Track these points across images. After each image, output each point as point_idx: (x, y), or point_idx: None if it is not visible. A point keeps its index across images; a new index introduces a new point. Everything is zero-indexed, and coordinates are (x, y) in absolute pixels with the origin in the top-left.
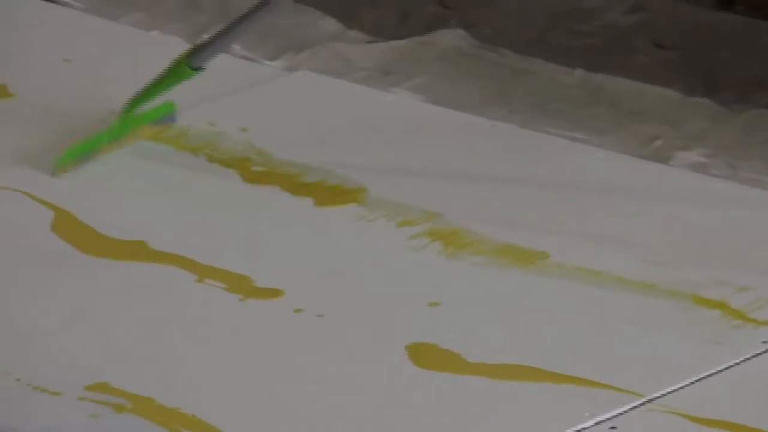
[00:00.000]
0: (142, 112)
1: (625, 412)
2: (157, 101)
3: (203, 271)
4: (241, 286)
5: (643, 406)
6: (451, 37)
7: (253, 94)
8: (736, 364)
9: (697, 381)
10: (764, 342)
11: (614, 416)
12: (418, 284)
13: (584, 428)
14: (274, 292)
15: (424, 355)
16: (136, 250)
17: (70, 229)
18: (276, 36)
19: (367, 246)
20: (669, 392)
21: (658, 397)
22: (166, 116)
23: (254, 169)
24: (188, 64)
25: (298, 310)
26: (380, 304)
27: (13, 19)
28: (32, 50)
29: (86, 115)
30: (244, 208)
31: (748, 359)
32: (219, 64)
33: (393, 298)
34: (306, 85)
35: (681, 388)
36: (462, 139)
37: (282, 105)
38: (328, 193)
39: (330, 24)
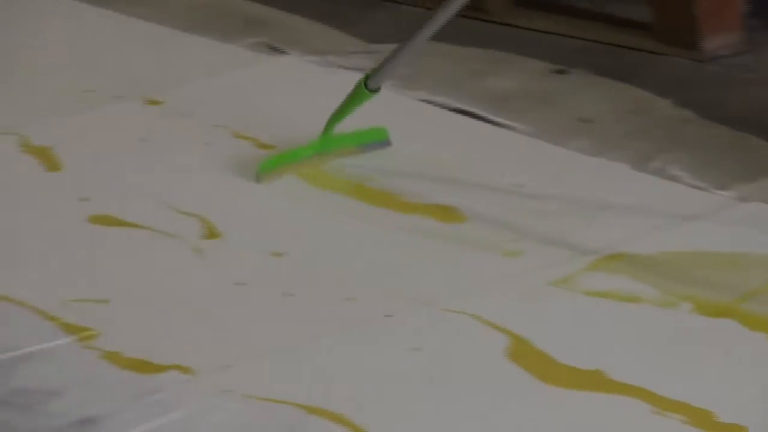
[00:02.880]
0: (353, 132)
1: None
2: (371, 124)
3: (661, 403)
4: (701, 420)
5: None
6: None
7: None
8: None
9: None
10: None
11: None
12: None
13: None
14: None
15: None
16: (594, 380)
17: (526, 355)
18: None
19: None
20: None
21: None
22: (380, 141)
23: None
24: (366, 86)
25: None
26: None
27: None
28: (483, 174)
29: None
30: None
31: None
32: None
33: None
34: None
35: None
36: None
37: None
38: None
39: None
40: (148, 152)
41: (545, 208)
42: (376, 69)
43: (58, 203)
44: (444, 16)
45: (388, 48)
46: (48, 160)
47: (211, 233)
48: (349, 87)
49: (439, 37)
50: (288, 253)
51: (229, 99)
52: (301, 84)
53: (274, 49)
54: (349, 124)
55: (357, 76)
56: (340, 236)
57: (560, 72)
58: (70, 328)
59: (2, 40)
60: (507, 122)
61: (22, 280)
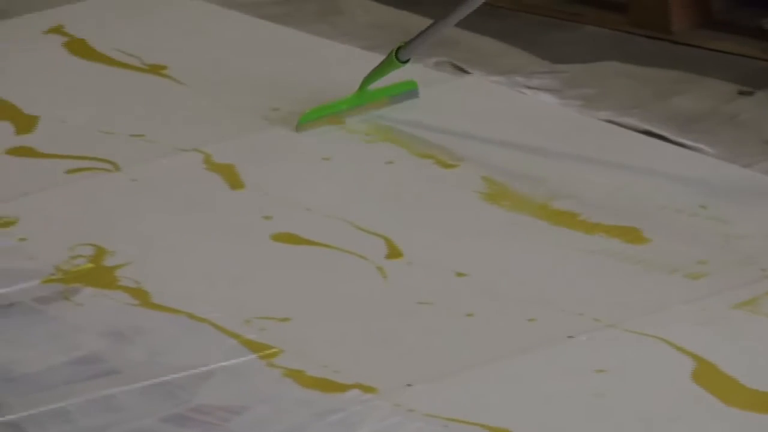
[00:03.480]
0: (384, 87)
1: None
2: (401, 78)
3: None
4: None
5: None
6: None
7: None
8: None
9: None
10: None
11: None
12: None
13: None
14: None
15: None
16: None
17: (712, 378)
18: None
19: None
20: None
21: None
22: (409, 92)
23: None
24: (397, 57)
25: None
26: None
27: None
28: (668, 195)
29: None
30: None
31: None
32: None
33: None
34: None
35: None
36: None
37: None
38: None
39: None
40: (331, 171)
41: (730, 230)
42: (408, 42)
43: (241, 221)
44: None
45: (571, 68)
46: (231, 177)
47: (395, 253)
48: (533, 107)
49: (624, 58)
50: (471, 273)
51: (413, 119)
52: (486, 103)
53: (458, 69)
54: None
55: (543, 96)
56: (522, 256)
57: (746, 93)
58: (252, 346)
59: (184, 57)
60: (693, 144)
61: (204, 297)
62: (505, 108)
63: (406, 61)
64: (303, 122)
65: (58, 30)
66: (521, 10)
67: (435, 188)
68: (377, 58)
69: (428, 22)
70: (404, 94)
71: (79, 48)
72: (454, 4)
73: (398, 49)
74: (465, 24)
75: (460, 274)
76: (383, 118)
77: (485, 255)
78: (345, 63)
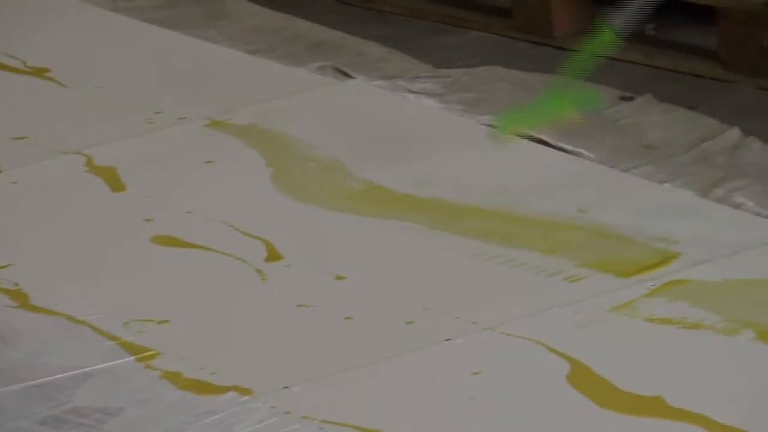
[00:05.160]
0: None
1: None
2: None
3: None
4: None
5: None
6: None
7: None
8: None
9: None
10: None
11: None
12: None
13: None
14: None
15: None
16: (654, 406)
17: (587, 381)
18: None
19: None
20: None
21: None
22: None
23: None
24: (610, 28)
25: None
26: None
27: None
28: (549, 200)
29: None
30: None
31: None
32: None
33: None
34: None
35: None
36: None
37: None
38: None
39: None
40: (213, 174)
41: (608, 233)
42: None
43: (122, 223)
44: None
45: (455, 73)
46: (113, 180)
47: (274, 256)
48: (414, 111)
49: (507, 62)
50: (349, 276)
51: (296, 122)
52: (367, 107)
53: (342, 73)
54: None
55: (426, 101)
56: (400, 259)
57: (627, 99)
58: (131, 348)
59: (67, 59)
60: (573, 148)
61: (84, 299)
62: (387, 112)
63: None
64: (504, 131)
65: None
66: (408, 15)
67: (314, 190)
68: (261, 62)
69: (314, 26)
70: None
71: None
72: (335, 10)
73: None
74: (349, 29)
75: (339, 277)
76: (263, 121)
77: (364, 258)
78: (230, 66)
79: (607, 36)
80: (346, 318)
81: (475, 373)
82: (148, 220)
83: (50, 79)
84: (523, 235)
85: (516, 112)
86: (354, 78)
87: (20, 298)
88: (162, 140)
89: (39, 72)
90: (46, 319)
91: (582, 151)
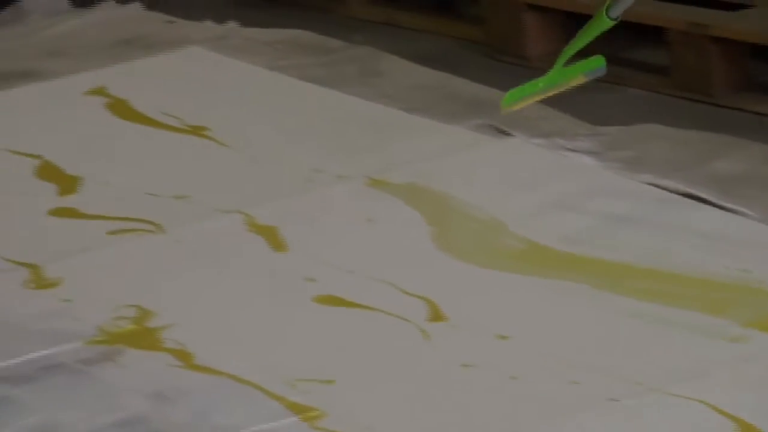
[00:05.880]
0: (575, 65)
1: None
2: (589, 55)
3: None
4: None
5: None
6: None
7: None
8: None
9: None
10: None
11: None
12: None
13: None
14: None
15: None
16: None
17: None
18: None
19: None
20: None
21: None
22: (597, 69)
23: None
24: (607, 15)
25: None
26: None
27: None
28: (712, 260)
29: None
30: None
31: None
32: None
33: None
34: None
35: None
36: None
37: None
38: None
39: None
40: (373, 233)
41: None
42: None
43: (284, 283)
44: None
45: (613, 131)
46: (274, 239)
47: (436, 315)
48: (573, 169)
49: (665, 120)
50: (513, 335)
51: (456, 181)
52: (527, 165)
53: (500, 131)
54: None
55: (584, 159)
56: (562, 318)
57: None
58: (296, 408)
59: (225, 118)
60: (734, 206)
61: (248, 359)
62: (545, 170)
63: (616, 19)
64: (506, 104)
65: (100, 91)
66: None
67: (475, 249)
68: (419, 120)
69: (470, 84)
70: (596, 71)
71: (121, 109)
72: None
73: (607, 7)
74: (506, 86)
75: (502, 337)
76: (423, 179)
77: (526, 318)
78: (387, 124)
79: (605, 22)
80: (511, 377)
81: None
82: (309, 280)
83: (209, 137)
84: (684, 294)
85: (522, 88)
86: (512, 136)
87: (185, 358)
88: (322, 199)
89: (197, 131)
90: (210, 379)
91: (743, 209)
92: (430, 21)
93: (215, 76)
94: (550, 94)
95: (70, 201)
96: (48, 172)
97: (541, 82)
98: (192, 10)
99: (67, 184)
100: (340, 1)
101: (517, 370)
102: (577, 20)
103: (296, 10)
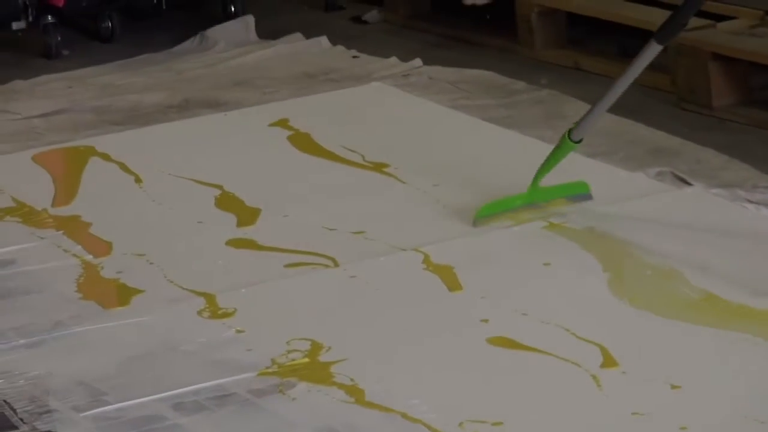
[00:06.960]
0: (558, 186)
1: None
2: (573, 178)
3: None
4: None
5: None
6: None
7: None
8: None
9: None
10: None
11: None
12: None
13: None
14: None
15: None
16: None
17: None
18: None
19: None
20: None
21: None
22: (582, 194)
23: None
24: (570, 138)
25: None
26: None
27: None
28: None
29: None
30: None
31: None
32: None
33: None
34: None
35: None
36: None
37: None
38: None
39: None
40: (549, 277)
41: None
42: (578, 122)
43: (458, 323)
44: (633, 71)
45: None
46: (450, 279)
47: (609, 362)
48: (755, 221)
49: None
50: (684, 385)
51: (634, 228)
52: (706, 216)
53: (680, 180)
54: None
55: (766, 211)
56: (736, 370)
57: None
58: None
59: (406, 155)
60: None
61: (418, 397)
62: (726, 222)
63: (579, 141)
64: (480, 216)
65: (283, 123)
66: (748, 123)
67: (651, 297)
68: (600, 166)
69: (653, 131)
70: (579, 196)
71: (303, 142)
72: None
73: (569, 131)
74: (688, 135)
75: (674, 386)
76: (603, 224)
77: (699, 368)
78: (568, 168)
79: (568, 145)
80: (681, 428)
81: None
82: (484, 321)
83: (389, 174)
84: None
85: (499, 202)
86: (692, 185)
87: (356, 394)
88: (499, 241)
89: (378, 167)
90: (381, 415)
91: None
92: (615, 67)
93: (397, 112)
94: (528, 211)
95: (248, 232)
96: (228, 202)
97: (518, 199)
98: (378, 47)
99: (246, 215)
100: (527, 44)
101: (688, 421)
102: (763, 70)
103: (483, 51)
